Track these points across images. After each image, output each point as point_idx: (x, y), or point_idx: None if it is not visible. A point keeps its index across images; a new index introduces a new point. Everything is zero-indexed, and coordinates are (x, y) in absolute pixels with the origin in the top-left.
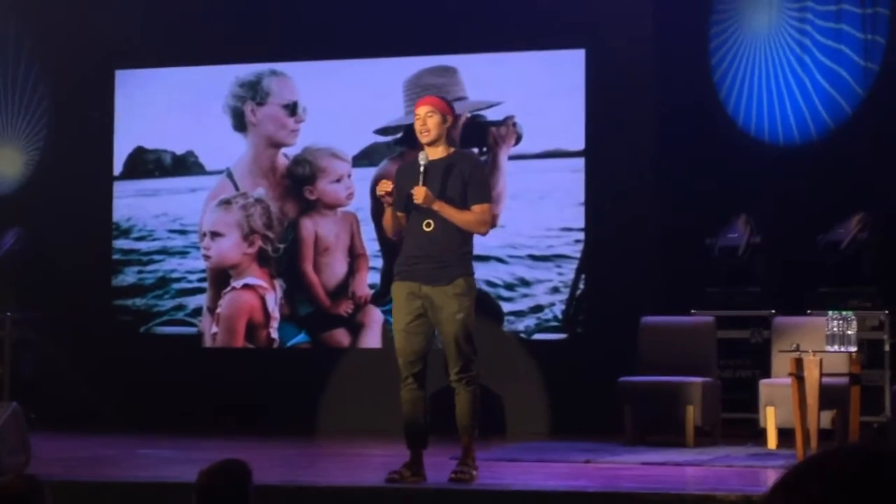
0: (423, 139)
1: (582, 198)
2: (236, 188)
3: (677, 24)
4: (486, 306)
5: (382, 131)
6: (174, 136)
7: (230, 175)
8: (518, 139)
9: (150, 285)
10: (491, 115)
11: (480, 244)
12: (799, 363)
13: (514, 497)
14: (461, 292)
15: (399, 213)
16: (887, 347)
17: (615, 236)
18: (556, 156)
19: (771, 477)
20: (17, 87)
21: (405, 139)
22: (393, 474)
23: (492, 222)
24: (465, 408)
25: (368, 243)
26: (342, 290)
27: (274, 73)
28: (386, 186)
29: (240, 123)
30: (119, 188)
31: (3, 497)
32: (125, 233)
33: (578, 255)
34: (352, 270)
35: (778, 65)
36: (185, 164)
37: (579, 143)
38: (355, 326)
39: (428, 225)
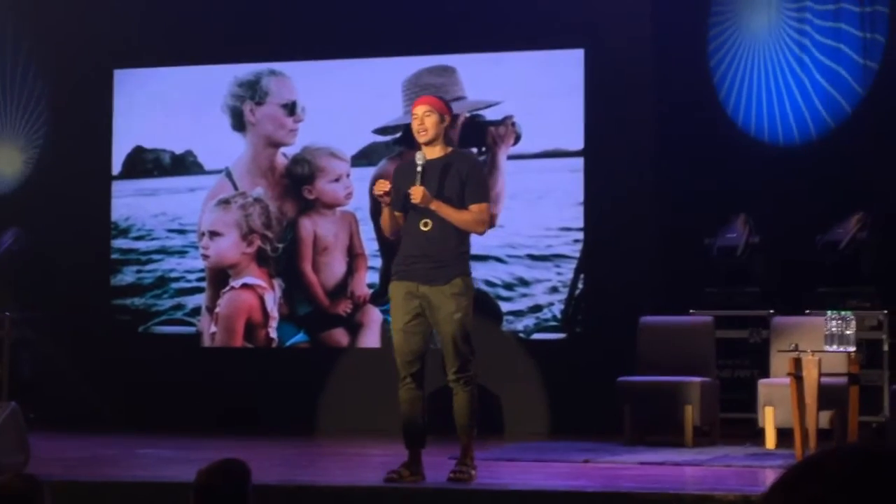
0: (421, 139)
1: (581, 198)
2: (235, 188)
3: (676, 24)
4: (484, 306)
5: (381, 131)
6: (173, 136)
7: (229, 174)
8: (517, 139)
9: (149, 285)
10: (490, 114)
11: (480, 244)
12: (798, 363)
13: (512, 497)
14: (459, 292)
15: (397, 213)
16: (886, 347)
17: (614, 236)
18: (555, 156)
19: (769, 477)
20: (16, 87)
21: (404, 139)
22: (392, 474)
23: (490, 222)
24: (464, 408)
25: (367, 243)
26: (341, 289)
27: (273, 72)
28: (383, 186)
29: (239, 123)
30: (118, 188)
31: (3, 497)
32: (124, 232)
33: (577, 254)
34: (350, 270)
35: (777, 64)
36: (183, 164)
37: (578, 143)
38: (354, 326)
39: (426, 224)
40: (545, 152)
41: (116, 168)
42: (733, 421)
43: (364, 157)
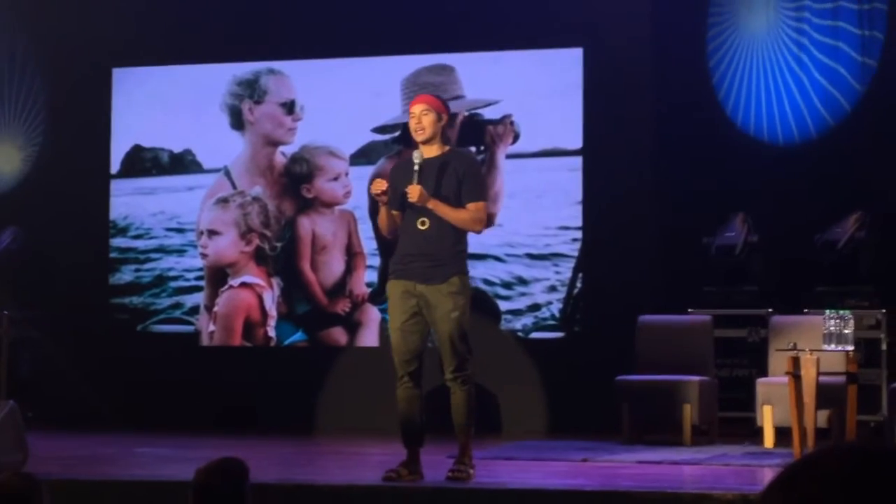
0: (418, 137)
1: (580, 196)
2: (234, 186)
3: (675, 23)
4: (483, 305)
5: (380, 130)
6: (172, 135)
7: (227, 173)
8: (516, 138)
9: (148, 283)
10: (488, 113)
11: (478, 243)
12: (796, 362)
13: (511, 496)
14: (456, 291)
15: (394, 212)
16: (884, 346)
17: (613, 235)
18: (554, 154)
19: (767, 476)
20: (15, 85)
21: (403, 137)
22: (390, 473)
23: (487, 220)
24: (461, 407)
25: (366, 242)
26: (339, 288)
27: (272, 71)
28: (381, 185)
29: (237, 122)
30: (116, 186)
31: (1, 495)
32: (122, 231)
33: (576, 253)
34: (349, 269)
35: (776, 63)
36: (182, 163)
37: (577, 142)
38: (352, 325)
39: (423, 223)
40: (544, 151)
41: (115, 167)
42: (732, 420)
43: (363, 156)
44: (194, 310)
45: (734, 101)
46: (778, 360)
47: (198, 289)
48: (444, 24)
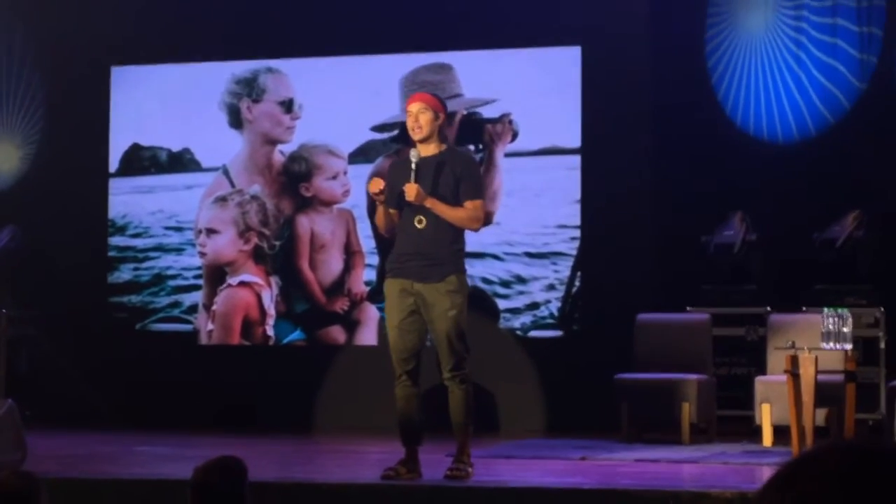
0: (415, 136)
1: (578, 195)
2: (232, 185)
3: (674, 22)
4: (481, 303)
5: (379, 128)
6: (170, 133)
7: (226, 172)
8: (514, 136)
9: (146, 282)
10: (487, 112)
11: (476, 241)
12: (794, 360)
13: (509, 494)
14: (453, 289)
15: (391, 211)
16: (882, 345)
17: (611, 234)
18: (553, 153)
19: (766, 474)
20: (13, 83)
21: (401, 136)
22: (388, 471)
23: (485, 219)
24: (459, 405)
25: (364, 240)
26: (338, 287)
27: (270, 70)
28: (378, 184)
29: (236, 120)
30: (115, 185)
31: (0, 494)
32: (121, 230)
33: (574, 252)
34: (348, 267)
35: (774, 62)
36: (180, 161)
37: (575, 141)
38: (351, 323)
39: (420, 222)
40: (542, 150)
41: (113, 165)
42: (730, 418)
43: (361, 155)
44: (193, 308)
45: (733, 100)
46: (776, 359)
47: (196, 287)
48: (443, 23)
